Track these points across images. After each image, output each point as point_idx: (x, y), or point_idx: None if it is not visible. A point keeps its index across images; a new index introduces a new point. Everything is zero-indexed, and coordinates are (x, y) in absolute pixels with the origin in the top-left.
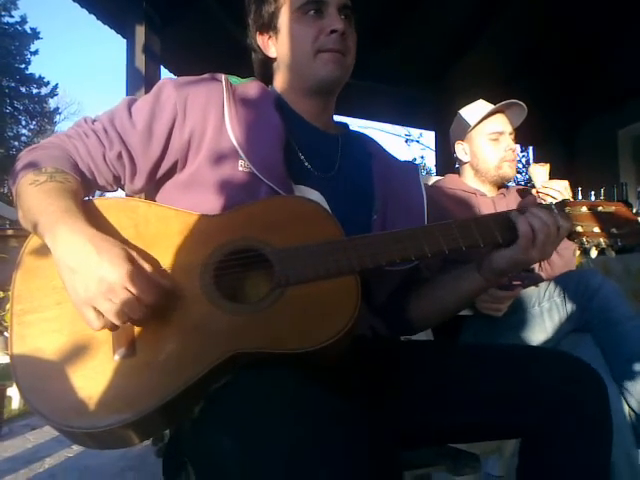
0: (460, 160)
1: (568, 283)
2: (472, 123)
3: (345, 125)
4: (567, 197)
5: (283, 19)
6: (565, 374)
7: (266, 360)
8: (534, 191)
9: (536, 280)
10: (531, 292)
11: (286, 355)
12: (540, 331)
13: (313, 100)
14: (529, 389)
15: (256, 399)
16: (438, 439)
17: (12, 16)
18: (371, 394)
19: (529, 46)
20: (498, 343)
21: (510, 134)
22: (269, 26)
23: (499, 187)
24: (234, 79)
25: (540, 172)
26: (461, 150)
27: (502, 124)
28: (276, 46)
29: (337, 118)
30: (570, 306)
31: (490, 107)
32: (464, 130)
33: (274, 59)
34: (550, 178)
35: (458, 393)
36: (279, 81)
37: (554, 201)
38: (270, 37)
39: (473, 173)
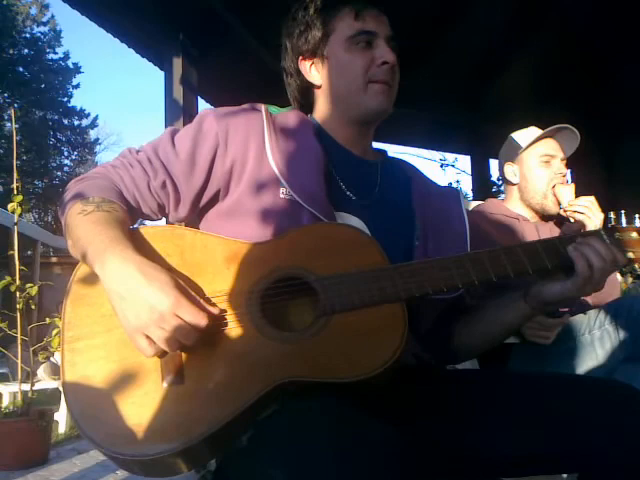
0: (509, 181)
1: (620, 310)
2: (524, 145)
3: (384, 152)
4: (595, 211)
5: (332, 47)
6: (618, 403)
7: (312, 387)
8: (561, 211)
9: (584, 307)
10: (580, 319)
11: (334, 384)
12: (591, 359)
13: (355, 128)
14: (579, 419)
15: (304, 429)
16: (486, 473)
17: (56, 52)
18: (418, 424)
19: (564, 65)
20: (547, 371)
21: (562, 160)
22: (314, 52)
23: (540, 217)
24: (273, 109)
25: (565, 191)
26: (510, 172)
27: (554, 148)
28: (321, 73)
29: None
30: (622, 334)
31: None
32: (515, 151)
33: (317, 86)
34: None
35: (505, 424)
36: (321, 108)
37: (583, 217)
38: (313, 63)
39: (519, 196)
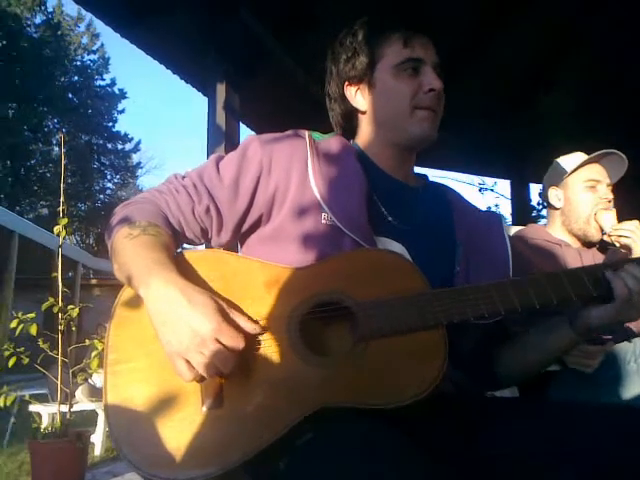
0: (552, 206)
1: None
2: (569, 169)
3: (425, 177)
4: None
5: (379, 74)
6: None
7: (349, 412)
8: (605, 237)
9: (628, 334)
10: (625, 347)
11: (372, 410)
12: (637, 389)
13: (397, 153)
14: (624, 451)
15: (342, 458)
16: None
17: (103, 79)
18: (455, 452)
19: (609, 87)
20: (590, 401)
21: (608, 186)
22: (360, 78)
23: (582, 243)
24: (316, 135)
25: (607, 217)
26: (554, 196)
27: (600, 173)
28: (367, 99)
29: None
30: None
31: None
32: (560, 176)
33: (361, 111)
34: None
35: (546, 457)
36: (364, 133)
37: (629, 241)
38: (359, 89)
39: (562, 221)
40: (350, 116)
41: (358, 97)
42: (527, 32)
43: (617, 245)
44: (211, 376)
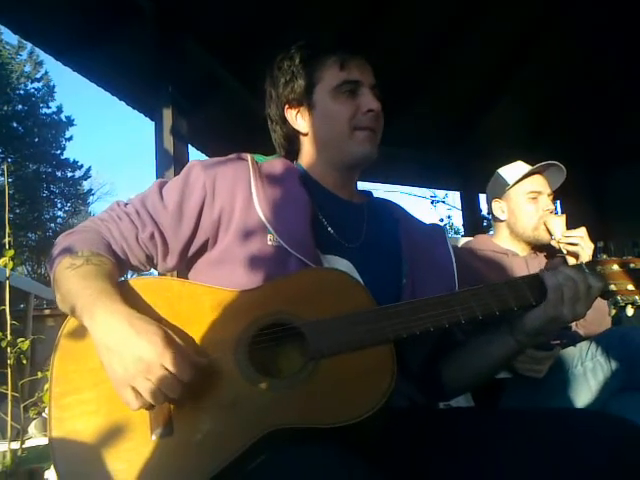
0: (497, 218)
1: (611, 341)
2: (511, 182)
3: (369, 193)
4: (587, 242)
5: (318, 96)
6: (616, 438)
7: (302, 434)
8: (554, 242)
9: (575, 339)
10: (572, 352)
11: (323, 429)
12: (584, 391)
13: (340, 173)
14: (577, 455)
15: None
16: None
17: (49, 107)
18: (413, 469)
19: (552, 99)
20: (541, 406)
21: (549, 195)
22: (300, 101)
23: (532, 247)
24: (259, 157)
25: (557, 223)
26: (498, 208)
27: (541, 184)
28: (307, 121)
29: (362, 184)
30: (615, 364)
31: (529, 168)
32: (502, 188)
33: (303, 133)
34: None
35: (504, 465)
36: (307, 154)
37: (577, 248)
38: (299, 112)
39: (508, 232)
40: (292, 138)
41: (299, 119)
42: (475, 52)
43: (564, 252)
44: (159, 403)
